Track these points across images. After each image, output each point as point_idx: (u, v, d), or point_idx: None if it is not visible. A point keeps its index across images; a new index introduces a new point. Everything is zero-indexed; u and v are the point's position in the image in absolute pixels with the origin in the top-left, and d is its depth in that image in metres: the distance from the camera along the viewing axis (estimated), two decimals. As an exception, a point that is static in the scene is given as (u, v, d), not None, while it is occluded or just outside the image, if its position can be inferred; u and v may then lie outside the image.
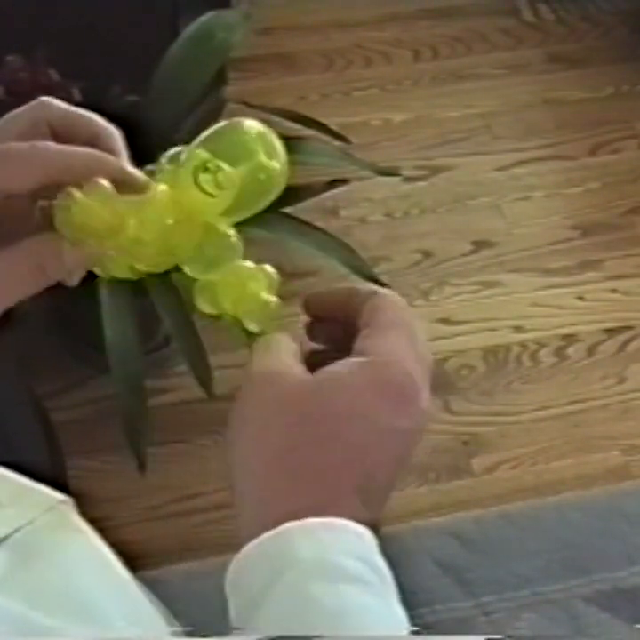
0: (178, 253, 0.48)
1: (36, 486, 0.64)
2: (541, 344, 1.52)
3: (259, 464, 0.45)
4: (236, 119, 0.48)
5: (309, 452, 0.44)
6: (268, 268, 0.48)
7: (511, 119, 1.81)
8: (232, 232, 0.48)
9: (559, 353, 1.52)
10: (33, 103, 0.49)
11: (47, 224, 0.46)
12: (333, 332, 0.51)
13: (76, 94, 1.11)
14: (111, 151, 0.48)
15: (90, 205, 0.45)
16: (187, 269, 0.49)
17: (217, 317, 0.50)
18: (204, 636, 0.45)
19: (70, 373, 1.42)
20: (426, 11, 1.98)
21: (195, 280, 0.49)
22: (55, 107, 0.49)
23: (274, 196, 0.48)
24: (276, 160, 0.48)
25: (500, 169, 1.74)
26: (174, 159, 0.49)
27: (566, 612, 0.96)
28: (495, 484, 1.38)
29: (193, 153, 0.48)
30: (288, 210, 1.26)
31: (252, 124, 0.48)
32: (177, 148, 0.50)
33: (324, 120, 1.31)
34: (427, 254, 1.62)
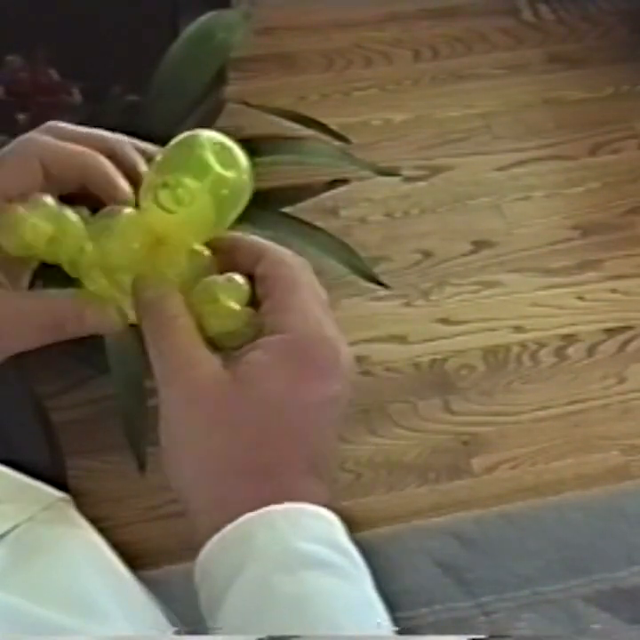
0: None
1: (35, 483, 0.64)
2: (541, 344, 1.52)
3: (201, 473, 0.43)
4: (192, 132, 0.46)
5: (250, 449, 0.43)
6: (239, 278, 0.46)
7: (511, 119, 1.81)
8: (205, 251, 0.47)
9: (559, 353, 1.52)
10: (42, 127, 0.47)
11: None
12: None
13: (76, 94, 1.11)
14: (127, 160, 0.48)
15: (33, 222, 0.44)
16: None
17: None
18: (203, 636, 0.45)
19: (70, 373, 1.42)
20: (426, 11, 1.98)
21: None
22: (62, 128, 0.48)
23: (240, 208, 0.47)
24: (234, 170, 0.46)
25: (500, 169, 1.74)
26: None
27: (566, 612, 0.96)
28: (495, 484, 1.38)
29: (150, 171, 0.46)
30: (288, 210, 1.26)
31: (207, 136, 0.46)
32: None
33: (324, 120, 1.31)
34: (427, 254, 1.62)
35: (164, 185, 0.45)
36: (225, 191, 0.45)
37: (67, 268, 0.46)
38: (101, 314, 0.46)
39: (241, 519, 0.42)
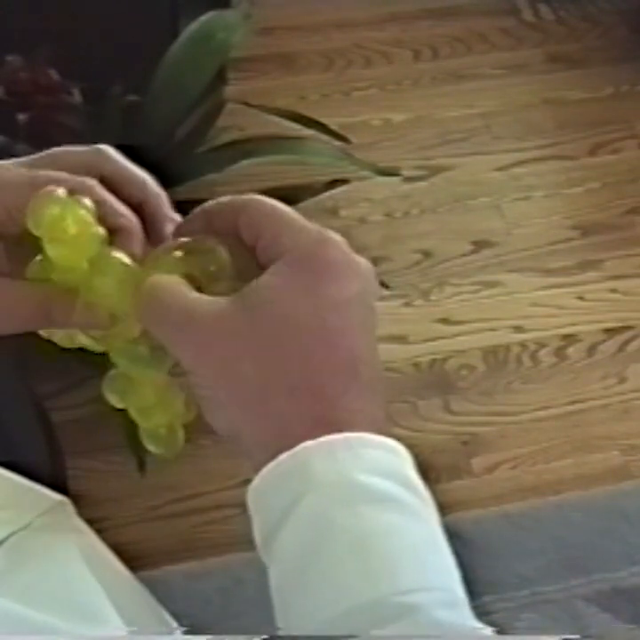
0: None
1: (34, 487, 0.64)
2: (541, 344, 1.52)
3: (245, 408, 0.42)
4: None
5: (284, 366, 0.41)
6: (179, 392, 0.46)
7: (511, 119, 1.81)
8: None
9: (559, 353, 1.52)
10: (90, 148, 0.47)
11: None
12: None
13: (76, 94, 1.11)
14: (158, 216, 0.47)
15: (73, 210, 0.44)
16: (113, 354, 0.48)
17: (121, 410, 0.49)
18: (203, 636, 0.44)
19: (70, 373, 1.42)
20: (426, 11, 1.98)
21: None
22: (112, 158, 0.47)
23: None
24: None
25: (500, 169, 1.74)
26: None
27: (566, 611, 0.96)
28: (495, 484, 1.38)
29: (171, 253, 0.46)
30: (288, 210, 1.26)
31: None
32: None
33: (324, 120, 1.31)
34: (427, 254, 1.62)
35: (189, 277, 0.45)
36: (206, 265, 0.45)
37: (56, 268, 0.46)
38: (90, 310, 0.45)
39: (298, 448, 0.40)
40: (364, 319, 0.44)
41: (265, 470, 0.41)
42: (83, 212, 0.44)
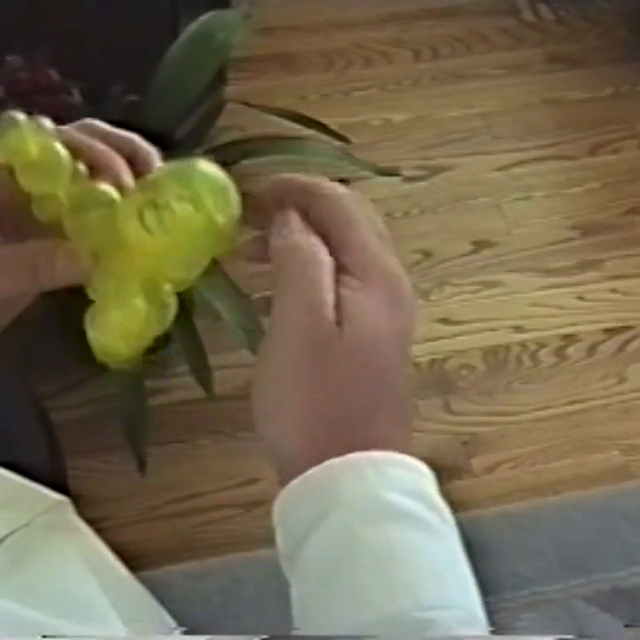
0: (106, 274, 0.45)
1: (34, 487, 0.64)
2: (541, 344, 1.52)
3: (301, 419, 0.43)
4: (196, 163, 0.45)
5: (352, 398, 0.43)
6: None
7: (511, 119, 1.81)
8: (170, 295, 0.46)
9: (559, 353, 1.52)
10: (78, 123, 0.48)
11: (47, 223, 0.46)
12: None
13: (76, 94, 1.11)
14: (149, 166, 0.47)
15: (25, 132, 0.44)
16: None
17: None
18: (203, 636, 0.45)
19: (70, 373, 1.42)
20: (426, 11, 1.98)
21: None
22: (99, 126, 0.48)
23: (216, 253, 0.45)
24: (223, 216, 0.44)
25: (500, 169, 1.74)
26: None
27: (566, 612, 0.96)
28: (495, 484, 1.38)
29: (145, 183, 0.45)
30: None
31: (209, 173, 0.45)
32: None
33: (324, 120, 1.31)
34: (427, 254, 1.62)
35: (154, 204, 0.44)
36: (207, 234, 0.44)
37: (35, 204, 0.46)
38: (73, 261, 0.45)
39: (326, 463, 0.41)
40: (402, 350, 0.45)
41: (292, 484, 0.42)
42: (44, 134, 0.44)
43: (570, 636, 0.45)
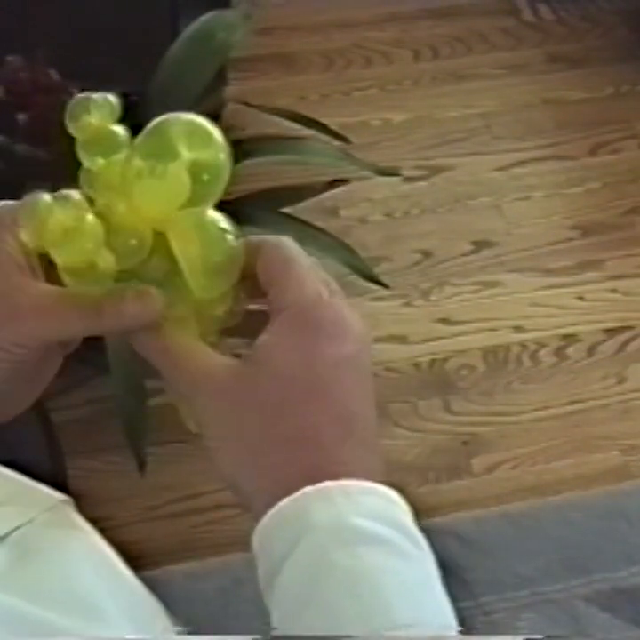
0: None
1: (37, 485, 0.64)
2: (541, 344, 1.52)
3: (246, 456, 0.44)
4: (163, 117, 0.46)
5: (282, 419, 0.44)
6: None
7: (511, 119, 1.81)
8: (224, 222, 0.46)
9: (559, 353, 1.52)
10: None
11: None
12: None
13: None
14: None
15: (56, 212, 0.44)
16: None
17: None
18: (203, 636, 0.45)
19: (70, 373, 1.41)
20: (426, 11, 1.98)
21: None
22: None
23: (220, 185, 0.46)
24: (208, 151, 0.45)
25: (500, 169, 1.74)
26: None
27: (566, 611, 0.96)
28: (495, 484, 1.38)
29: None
30: (288, 210, 1.26)
31: (177, 120, 0.45)
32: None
33: (324, 120, 1.31)
34: (427, 254, 1.62)
35: (133, 164, 0.45)
36: (199, 172, 0.45)
37: (79, 268, 0.46)
38: (141, 297, 0.46)
39: (298, 493, 0.42)
40: (358, 379, 0.46)
41: (268, 515, 0.43)
42: (69, 208, 0.45)
43: (538, 636, 0.46)
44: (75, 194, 0.45)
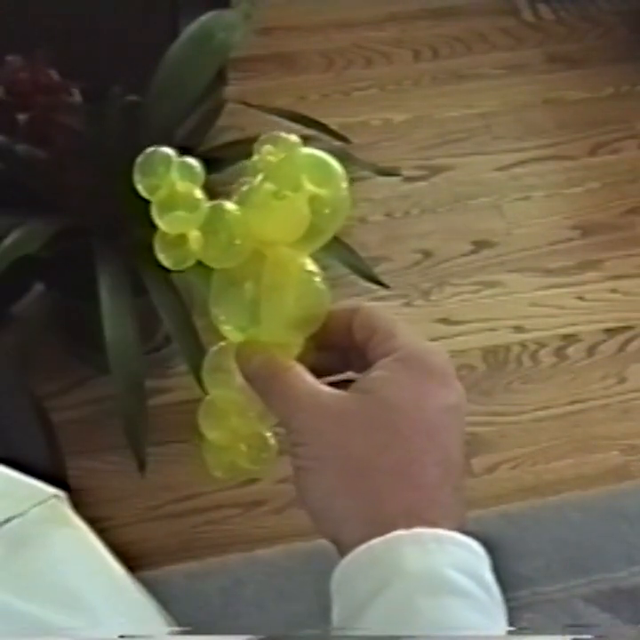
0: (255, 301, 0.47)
1: (29, 480, 0.64)
2: (541, 344, 1.52)
3: (342, 482, 0.44)
4: (293, 145, 0.46)
5: (386, 449, 0.44)
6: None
7: (511, 119, 1.81)
8: (317, 271, 0.48)
9: (559, 353, 1.52)
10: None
11: None
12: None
13: (76, 94, 1.11)
14: None
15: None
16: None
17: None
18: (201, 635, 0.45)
19: (70, 373, 1.42)
20: (426, 11, 1.98)
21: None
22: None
23: (339, 221, 0.47)
24: (328, 188, 0.46)
25: (500, 169, 1.74)
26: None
27: (566, 612, 0.96)
28: (495, 484, 1.38)
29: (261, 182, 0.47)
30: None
31: (305, 153, 0.46)
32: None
33: (324, 120, 1.31)
34: (427, 254, 1.62)
35: (264, 187, 0.45)
36: (321, 206, 0.46)
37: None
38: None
39: (391, 535, 0.42)
40: (459, 430, 0.47)
41: (356, 552, 0.43)
42: (189, 173, 0.46)
43: (587, 636, 0.46)
44: (197, 165, 0.46)
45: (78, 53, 1.10)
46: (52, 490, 0.63)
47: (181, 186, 0.45)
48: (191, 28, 1.20)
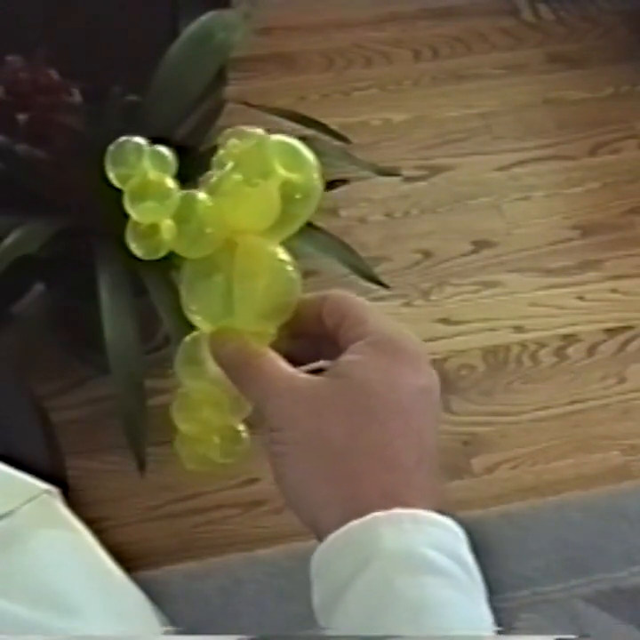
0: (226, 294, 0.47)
1: (21, 476, 0.63)
2: (541, 344, 1.52)
3: (319, 466, 0.44)
4: (259, 135, 0.47)
5: (362, 431, 0.44)
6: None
7: (511, 119, 1.81)
8: (288, 260, 0.47)
9: (559, 353, 1.52)
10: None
11: None
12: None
13: (76, 94, 1.11)
14: None
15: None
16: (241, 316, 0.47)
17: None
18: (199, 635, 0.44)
19: (70, 373, 1.42)
20: (426, 11, 1.98)
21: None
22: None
23: (310, 208, 0.47)
24: (300, 173, 0.46)
25: (500, 169, 1.74)
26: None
27: (566, 611, 0.96)
28: (495, 484, 1.38)
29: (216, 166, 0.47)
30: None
31: (275, 139, 0.46)
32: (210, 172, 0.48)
33: (324, 120, 1.31)
34: (427, 254, 1.62)
35: (235, 175, 0.45)
36: (292, 191, 0.46)
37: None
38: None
39: (368, 517, 0.42)
40: (432, 413, 0.47)
41: (334, 535, 0.43)
42: (160, 161, 0.46)
43: (571, 636, 0.46)
44: (169, 153, 0.46)
45: (78, 53, 1.09)
46: (43, 485, 0.63)
47: (153, 175, 0.45)
48: (191, 28, 1.20)
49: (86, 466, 1.33)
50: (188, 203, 0.46)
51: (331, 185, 1.39)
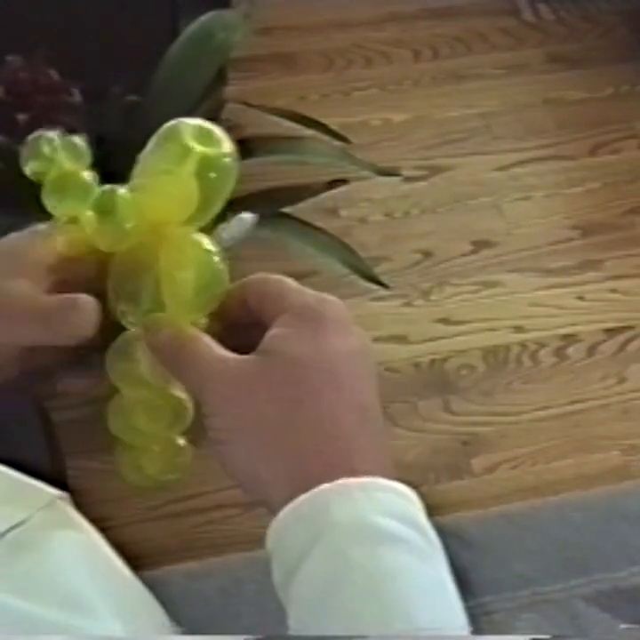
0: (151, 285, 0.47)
1: (34, 482, 0.64)
2: (541, 344, 1.52)
3: (261, 445, 0.44)
4: (172, 122, 0.47)
5: (298, 405, 0.44)
6: (180, 394, 0.48)
7: (511, 119, 1.81)
8: (214, 250, 0.47)
9: (559, 353, 1.52)
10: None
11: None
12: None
13: (76, 94, 1.11)
14: None
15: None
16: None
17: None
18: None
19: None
20: (426, 11, 1.98)
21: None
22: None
23: (227, 187, 0.47)
24: (216, 149, 0.46)
25: (500, 169, 1.74)
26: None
27: (566, 611, 0.96)
28: (495, 484, 1.38)
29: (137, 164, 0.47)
30: (288, 210, 1.26)
31: (187, 122, 0.46)
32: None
33: (324, 120, 1.31)
34: (427, 254, 1.62)
35: (149, 165, 0.46)
36: (208, 170, 0.46)
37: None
38: (90, 310, 0.46)
39: (316, 490, 0.42)
40: (367, 371, 0.47)
41: (284, 511, 0.43)
42: (75, 152, 0.47)
43: (545, 636, 0.46)
44: (83, 143, 0.46)
45: (78, 53, 1.09)
46: (55, 491, 0.64)
47: (69, 166, 0.46)
48: (191, 28, 1.20)
49: (86, 466, 1.33)
50: (108, 197, 0.46)
51: (331, 185, 1.39)
